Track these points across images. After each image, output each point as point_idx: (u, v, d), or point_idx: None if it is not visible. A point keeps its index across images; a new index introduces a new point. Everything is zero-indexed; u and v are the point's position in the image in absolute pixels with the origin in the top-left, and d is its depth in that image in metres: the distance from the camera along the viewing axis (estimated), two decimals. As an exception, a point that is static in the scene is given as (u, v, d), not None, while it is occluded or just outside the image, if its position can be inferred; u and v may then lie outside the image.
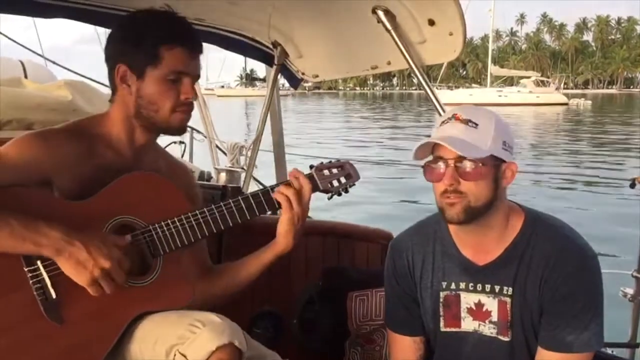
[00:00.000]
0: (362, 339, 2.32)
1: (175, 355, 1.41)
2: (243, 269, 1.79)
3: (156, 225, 1.57)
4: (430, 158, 1.56)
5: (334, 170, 1.79)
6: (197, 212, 1.62)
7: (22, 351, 1.43)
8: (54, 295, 1.44)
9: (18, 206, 1.43)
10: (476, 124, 1.51)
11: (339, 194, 1.80)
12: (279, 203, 1.70)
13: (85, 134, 1.62)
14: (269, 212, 2.32)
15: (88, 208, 1.52)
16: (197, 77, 1.66)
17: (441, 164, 1.51)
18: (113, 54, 1.63)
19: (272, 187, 1.72)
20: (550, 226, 1.60)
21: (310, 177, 1.75)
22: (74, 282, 1.45)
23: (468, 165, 1.48)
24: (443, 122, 1.55)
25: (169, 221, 1.59)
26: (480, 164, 1.48)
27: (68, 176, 1.54)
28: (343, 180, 1.79)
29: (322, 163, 1.80)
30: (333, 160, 1.83)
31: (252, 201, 1.68)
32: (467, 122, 1.51)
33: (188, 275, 1.65)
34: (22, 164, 1.50)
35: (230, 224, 1.65)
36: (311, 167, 1.78)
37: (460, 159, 1.48)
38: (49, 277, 1.44)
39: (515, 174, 1.56)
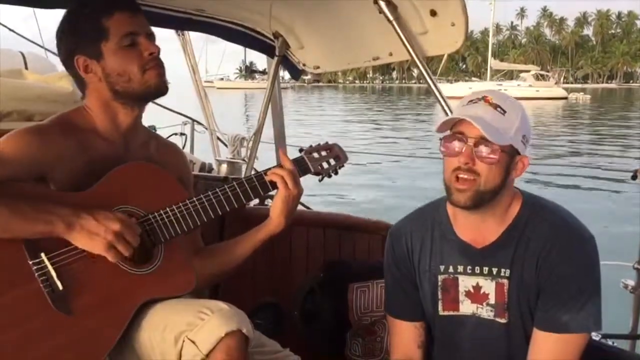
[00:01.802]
0: (363, 330, 2.32)
1: (184, 341, 1.42)
2: (236, 248, 1.80)
3: (155, 214, 1.59)
4: (447, 132, 1.56)
5: (323, 153, 1.82)
6: (195, 198, 1.64)
7: (32, 343, 1.43)
8: (60, 287, 1.45)
9: (21, 195, 1.44)
10: (504, 111, 1.52)
11: (329, 176, 1.83)
12: (273, 184, 1.71)
13: (74, 126, 1.62)
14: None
15: (86, 200, 1.53)
16: (151, 35, 1.65)
17: (461, 141, 1.51)
18: (66, 54, 1.64)
19: (265, 171, 1.73)
20: (547, 208, 1.62)
21: (301, 160, 1.78)
22: (79, 273, 1.47)
23: (488, 148, 1.49)
24: (471, 100, 1.56)
25: (167, 209, 1.60)
26: (499, 150, 1.49)
27: (63, 170, 1.55)
28: (332, 162, 1.82)
29: (311, 146, 1.82)
30: (321, 143, 1.85)
31: (247, 186, 1.70)
32: (496, 106, 1.52)
33: (189, 261, 1.67)
34: (18, 160, 1.50)
35: (228, 209, 1.67)
36: (301, 150, 1.80)
37: (481, 140, 1.48)
38: (54, 269, 1.45)
39: (525, 168, 1.58)
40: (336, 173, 1.83)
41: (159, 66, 1.63)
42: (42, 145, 1.54)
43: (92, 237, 1.45)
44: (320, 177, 1.82)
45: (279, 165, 1.74)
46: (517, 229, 1.59)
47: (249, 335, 1.44)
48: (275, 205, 1.74)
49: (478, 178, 1.50)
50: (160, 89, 1.65)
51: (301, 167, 1.77)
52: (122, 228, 1.46)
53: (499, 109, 1.52)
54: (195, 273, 1.63)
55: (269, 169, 1.74)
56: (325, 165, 1.81)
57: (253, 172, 1.81)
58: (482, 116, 1.50)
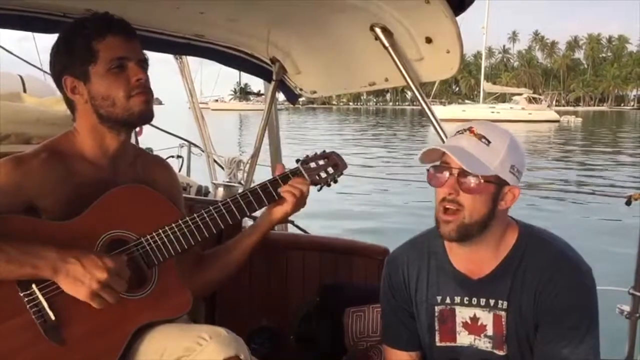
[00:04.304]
0: (359, 355, 2.31)
1: None
2: (235, 250, 1.81)
3: (148, 237, 1.58)
4: (437, 163, 1.57)
5: (321, 162, 1.81)
6: (188, 218, 1.63)
7: None
8: (52, 317, 1.44)
9: (8, 233, 1.43)
10: (489, 142, 1.52)
11: (328, 185, 1.82)
12: (269, 197, 1.72)
13: (60, 153, 1.61)
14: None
15: (78, 227, 1.52)
16: (143, 61, 1.64)
17: (445, 172, 1.53)
18: (56, 74, 1.63)
19: (261, 187, 1.73)
20: (543, 240, 1.62)
21: (297, 171, 1.77)
22: (71, 302, 1.45)
23: (469, 179, 1.50)
24: (458, 132, 1.57)
25: (160, 231, 1.59)
26: (482, 181, 1.49)
27: (51, 198, 1.54)
28: (331, 170, 1.81)
29: (307, 156, 1.81)
30: (319, 152, 1.84)
31: (241, 202, 1.69)
32: (480, 137, 1.53)
33: (185, 281, 1.65)
34: (2, 192, 1.50)
35: (222, 227, 1.66)
36: (297, 160, 1.80)
37: (464, 171, 1.49)
38: (46, 299, 1.44)
39: (516, 199, 1.56)
40: (335, 181, 1.82)
41: (145, 93, 1.61)
42: (25, 175, 1.53)
43: (77, 284, 1.42)
44: (319, 186, 1.81)
45: (285, 177, 1.75)
46: (514, 259, 1.59)
47: None
48: (276, 215, 1.76)
49: (462, 209, 1.51)
50: (144, 115, 1.63)
51: (298, 177, 1.76)
52: (108, 277, 1.42)
53: (483, 140, 1.52)
54: (190, 293, 1.62)
55: (264, 183, 1.74)
56: (323, 174, 1.80)
57: (248, 188, 1.79)
58: (464, 147, 1.52)
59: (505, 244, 1.60)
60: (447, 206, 1.52)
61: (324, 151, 1.85)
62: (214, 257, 1.82)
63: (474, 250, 1.60)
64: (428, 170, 1.57)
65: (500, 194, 1.54)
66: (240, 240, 1.81)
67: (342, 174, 1.84)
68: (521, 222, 1.65)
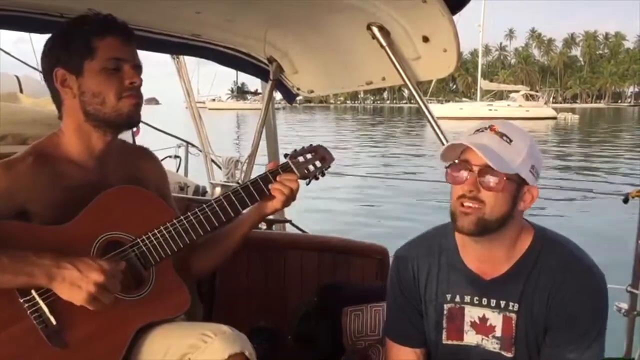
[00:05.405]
0: (357, 354, 2.31)
1: None
2: (225, 241, 1.83)
3: (144, 237, 1.58)
4: (455, 161, 1.56)
5: (308, 156, 1.82)
6: (182, 217, 1.63)
7: None
8: (54, 322, 1.45)
9: (2, 239, 1.42)
10: (510, 140, 1.51)
11: (317, 178, 1.83)
12: (260, 193, 1.73)
13: (47, 156, 1.60)
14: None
15: (73, 231, 1.52)
16: (138, 67, 1.64)
17: (466, 169, 1.51)
18: (48, 67, 1.61)
19: (252, 183, 1.74)
20: (558, 244, 1.60)
21: (286, 165, 1.78)
22: (72, 306, 1.45)
23: (492, 176, 1.48)
24: (478, 130, 1.55)
25: (155, 231, 1.59)
26: (505, 178, 1.48)
27: (41, 202, 1.54)
28: (318, 164, 1.82)
29: (295, 150, 1.82)
30: (305, 146, 1.85)
31: (233, 198, 1.69)
32: (502, 135, 1.52)
33: (182, 279, 1.66)
34: None
35: (217, 224, 1.67)
36: (285, 155, 1.81)
37: (486, 168, 1.48)
38: (46, 304, 1.44)
39: (534, 199, 1.55)
40: (323, 174, 1.84)
41: (136, 96, 1.61)
42: (14, 180, 1.52)
43: (74, 288, 1.41)
44: (307, 180, 1.82)
45: (279, 173, 1.75)
46: (528, 262, 1.58)
47: (251, 358, 1.45)
48: (267, 211, 1.78)
49: (483, 206, 1.49)
50: (132, 118, 1.62)
51: (287, 172, 1.78)
52: (104, 279, 1.42)
53: (505, 138, 1.51)
54: (188, 292, 1.62)
55: (255, 179, 1.74)
56: (311, 168, 1.81)
57: (240, 184, 1.81)
58: (487, 144, 1.49)
59: (520, 246, 1.59)
60: (467, 203, 1.50)
61: (311, 145, 1.86)
62: (205, 248, 1.82)
63: (488, 248, 1.59)
64: (447, 168, 1.56)
65: (519, 194, 1.53)
66: (230, 231, 1.81)
67: (329, 167, 1.85)
68: (536, 225, 1.64)
